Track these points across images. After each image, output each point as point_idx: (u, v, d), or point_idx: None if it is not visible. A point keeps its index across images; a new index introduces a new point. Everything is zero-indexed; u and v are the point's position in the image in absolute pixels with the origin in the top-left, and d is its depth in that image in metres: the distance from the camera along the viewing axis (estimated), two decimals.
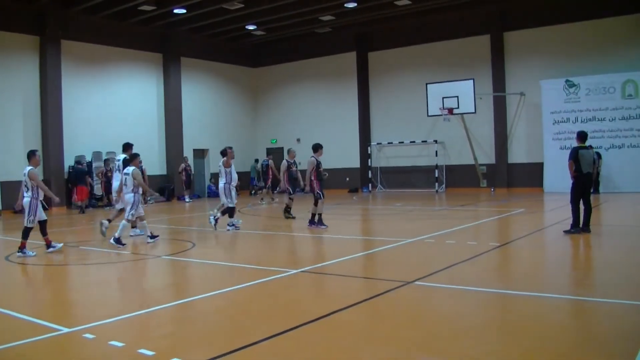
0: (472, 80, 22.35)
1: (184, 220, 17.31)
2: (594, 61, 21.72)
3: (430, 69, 25.09)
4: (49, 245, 10.62)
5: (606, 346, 4.72)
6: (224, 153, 13.37)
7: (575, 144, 11.48)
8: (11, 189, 20.23)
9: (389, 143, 26.37)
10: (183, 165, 24.68)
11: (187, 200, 24.30)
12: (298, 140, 28.78)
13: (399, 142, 26.09)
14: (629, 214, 15.30)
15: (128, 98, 24.42)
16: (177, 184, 25.29)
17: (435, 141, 25.15)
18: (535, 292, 6.48)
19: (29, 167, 10.41)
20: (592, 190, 11.67)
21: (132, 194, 11.44)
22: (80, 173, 20.59)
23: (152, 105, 25.46)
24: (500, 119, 23.80)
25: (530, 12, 23.06)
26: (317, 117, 28.42)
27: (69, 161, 22.11)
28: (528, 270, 8.10)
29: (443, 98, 22.69)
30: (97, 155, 22.72)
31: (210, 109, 27.96)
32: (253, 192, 28.02)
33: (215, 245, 11.61)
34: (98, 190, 22.58)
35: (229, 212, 13.23)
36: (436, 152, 25.06)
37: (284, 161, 15.46)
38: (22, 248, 10.21)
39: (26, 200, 10.33)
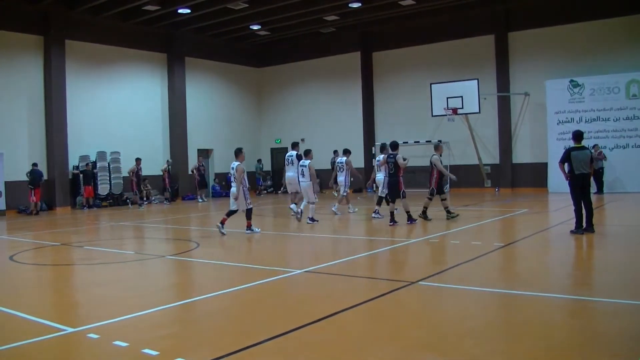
0: (476, 81, 22.31)
1: (195, 219, 17.32)
2: (599, 61, 21.66)
3: (434, 69, 25.05)
4: (249, 227, 12.44)
5: (610, 346, 4.71)
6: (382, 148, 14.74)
7: (571, 144, 11.38)
8: (16, 188, 20.30)
9: (384, 143, 26.29)
10: (195, 164, 24.49)
11: (199, 200, 24.27)
12: (302, 140, 28.76)
13: (403, 142, 25.92)
14: (633, 214, 15.23)
15: (132, 98, 24.45)
16: (181, 183, 25.30)
17: (440, 141, 25.04)
18: (539, 292, 6.46)
19: (237, 162, 12.18)
20: (595, 191, 11.59)
21: (309, 182, 13.82)
22: (38, 175, 20.25)
23: (156, 105, 25.49)
24: (504, 119, 23.75)
25: (534, 12, 23.00)
26: (321, 117, 28.40)
27: (73, 161, 22.16)
28: (532, 270, 8.08)
29: (447, 98, 22.66)
30: (101, 155, 22.75)
31: (214, 109, 27.96)
32: (258, 192, 28.05)
33: (219, 245, 11.61)
34: (103, 190, 22.62)
35: (381, 202, 15.06)
36: None
37: (437, 156, 13.93)
38: (249, 227, 12.36)
39: (233, 189, 12.29)
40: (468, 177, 24.54)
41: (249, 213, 12.31)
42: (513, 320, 5.61)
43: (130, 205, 22.54)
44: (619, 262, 8.40)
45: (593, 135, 20.98)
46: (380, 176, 14.94)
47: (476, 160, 23.83)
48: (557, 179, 21.33)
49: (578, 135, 11.03)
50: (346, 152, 16.92)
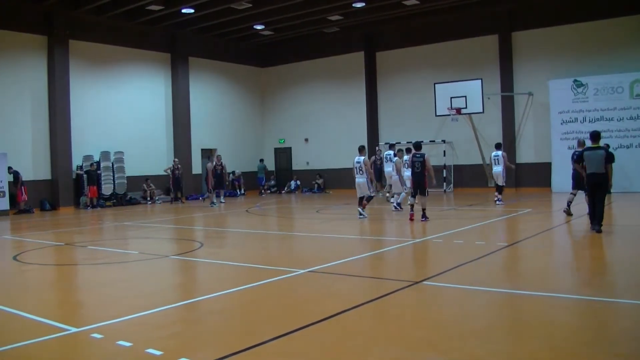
0: (480, 80, 22.26)
1: (200, 219, 17.33)
2: (602, 61, 21.61)
3: (438, 69, 25.03)
4: (363, 208, 14.75)
5: (615, 346, 4.70)
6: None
7: (588, 143, 11.33)
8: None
9: (397, 143, 26.29)
10: (211, 164, 23.17)
11: (213, 203, 22.03)
12: (306, 140, 28.79)
13: (407, 142, 25.99)
14: (637, 213, 15.20)
15: (136, 98, 24.47)
16: (185, 184, 25.17)
17: (443, 141, 25.08)
18: (543, 292, 6.45)
19: (363, 157, 14.63)
20: (610, 191, 11.48)
21: (397, 176, 16.39)
22: (17, 175, 20.10)
23: (160, 105, 25.51)
24: (508, 119, 23.72)
25: (538, 12, 22.96)
26: (325, 117, 28.39)
27: (77, 161, 22.20)
28: (536, 270, 8.06)
29: (451, 98, 22.61)
30: (105, 155, 22.78)
31: (217, 108, 27.97)
32: (260, 192, 28.06)
33: (223, 245, 11.62)
34: (107, 190, 22.63)
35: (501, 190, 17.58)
36: (444, 152, 25.00)
37: (575, 152, 13.42)
38: (363, 207, 14.75)
39: (358, 180, 14.59)
40: (472, 177, 24.53)
41: (370, 198, 14.82)
42: (516, 320, 5.60)
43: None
44: (624, 261, 8.38)
45: None
46: (497, 169, 17.46)
47: (480, 160, 23.78)
48: (561, 179, 21.35)
49: (594, 136, 11.03)
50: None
